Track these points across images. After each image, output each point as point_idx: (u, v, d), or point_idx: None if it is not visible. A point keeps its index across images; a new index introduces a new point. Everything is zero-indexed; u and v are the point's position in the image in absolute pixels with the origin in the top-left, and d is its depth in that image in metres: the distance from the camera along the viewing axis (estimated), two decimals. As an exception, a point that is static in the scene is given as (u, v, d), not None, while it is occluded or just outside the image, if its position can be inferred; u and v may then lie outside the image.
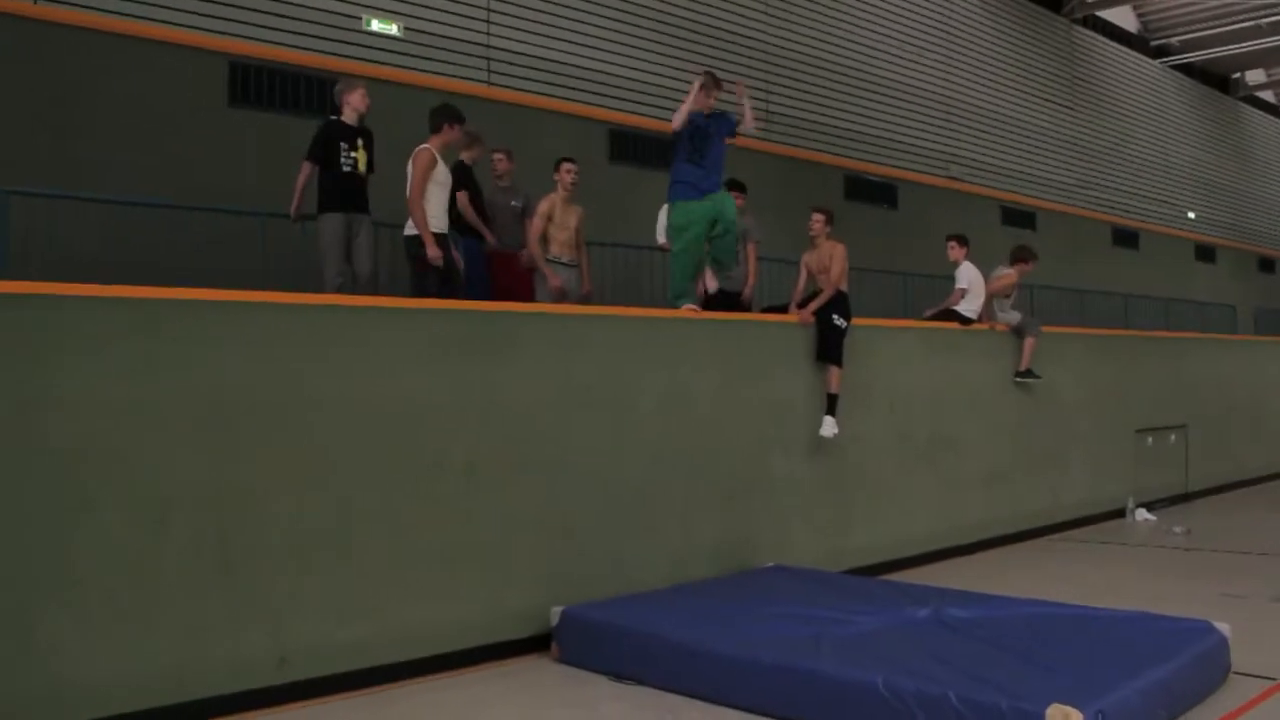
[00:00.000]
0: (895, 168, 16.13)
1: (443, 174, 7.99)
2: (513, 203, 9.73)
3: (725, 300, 9.68)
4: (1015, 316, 11.99)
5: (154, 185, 8.47)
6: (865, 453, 10.01)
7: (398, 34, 10.61)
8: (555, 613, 7.20)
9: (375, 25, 10.46)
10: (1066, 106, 20.08)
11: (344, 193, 8.00)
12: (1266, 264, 26.47)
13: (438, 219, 7.97)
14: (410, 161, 7.84)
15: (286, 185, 8.10)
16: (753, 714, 6.01)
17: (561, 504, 7.58)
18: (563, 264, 8.99)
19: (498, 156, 9.66)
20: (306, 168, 8.04)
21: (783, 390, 9.27)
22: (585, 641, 6.97)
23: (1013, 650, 6.08)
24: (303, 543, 6.40)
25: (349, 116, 8.09)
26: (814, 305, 9.54)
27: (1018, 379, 11.83)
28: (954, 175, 17.24)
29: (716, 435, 8.68)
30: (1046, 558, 11.19)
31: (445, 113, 8.07)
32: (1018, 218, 17.96)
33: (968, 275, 11.53)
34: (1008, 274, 12.09)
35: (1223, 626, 6.70)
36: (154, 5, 9.12)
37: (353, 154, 8.02)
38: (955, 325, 11.37)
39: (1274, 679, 6.69)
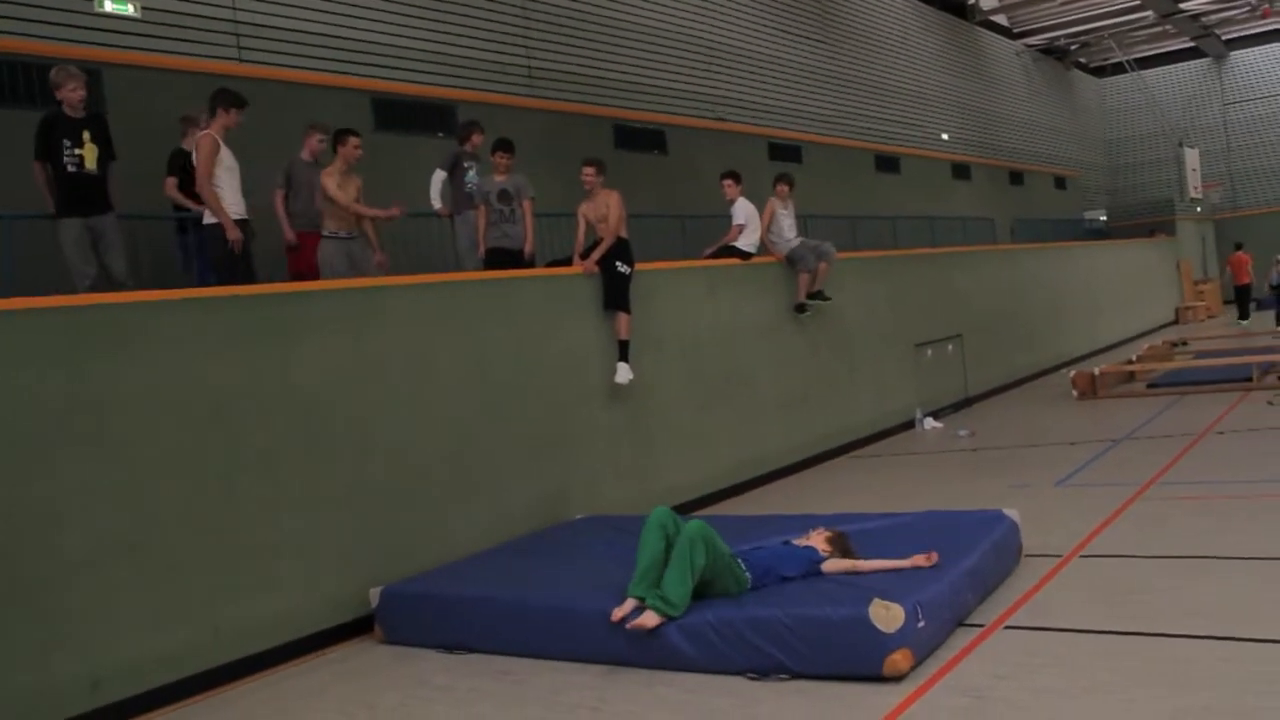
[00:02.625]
0: (663, 113, 16.29)
1: (230, 158, 7.70)
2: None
3: (507, 259, 9.58)
4: (788, 246, 12.26)
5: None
6: (663, 395, 10.14)
7: (134, 14, 10.00)
8: (374, 594, 7.04)
9: (109, 6, 9.82)
10: (821, 41, 20.68)
11: (75, 195, 7.43)
12: (1016, 177, 28.03)
13: (235, 205, 7.70)
14: (193, 151, 7.64)
15: (24, 184, 7.53)
16: (582, 662, 6.04)
17: (369, 481, 7.40)
18: (342, 238, 8.71)
19: (318, 137, 9.31)
20: (38, 169, 7.47)
21: (577, 342, 9.28)
22: (408, 618, 6.85)
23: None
24: (103, 553, 6.04)
25: (70, 108, 7.54)
26: (596, 254, 9.56)
27: (798, 311, 12.14)
28: (720, 116, 17.54)
29: (518, 393, 8.63)
30: (845, 475, 11.64)
31: (222, 97, 7.76)
32: (784, 152, 18.42)
33: (744, 210, 11.76)
34: (768, 204, 12.37)
35: (1011, 513, 7.12)
36: None
37: (77, 151, 7.40)
38: (736, 261, 11.61)
39: (1059, 555, 7.17)
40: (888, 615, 5.24)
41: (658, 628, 5.69)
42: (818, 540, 6.28)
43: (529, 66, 14.09)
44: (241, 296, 6.99)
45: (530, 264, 9.77)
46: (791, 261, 12.19)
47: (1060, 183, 31.14)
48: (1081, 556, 7.19)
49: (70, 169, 7.44)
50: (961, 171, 25.19)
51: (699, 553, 5.75)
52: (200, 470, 6.53)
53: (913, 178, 22.69)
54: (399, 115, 11.97)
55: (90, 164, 7.53)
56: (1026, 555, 7.14)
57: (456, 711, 5.65)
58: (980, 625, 5.99)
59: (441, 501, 7.86)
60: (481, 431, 8.26)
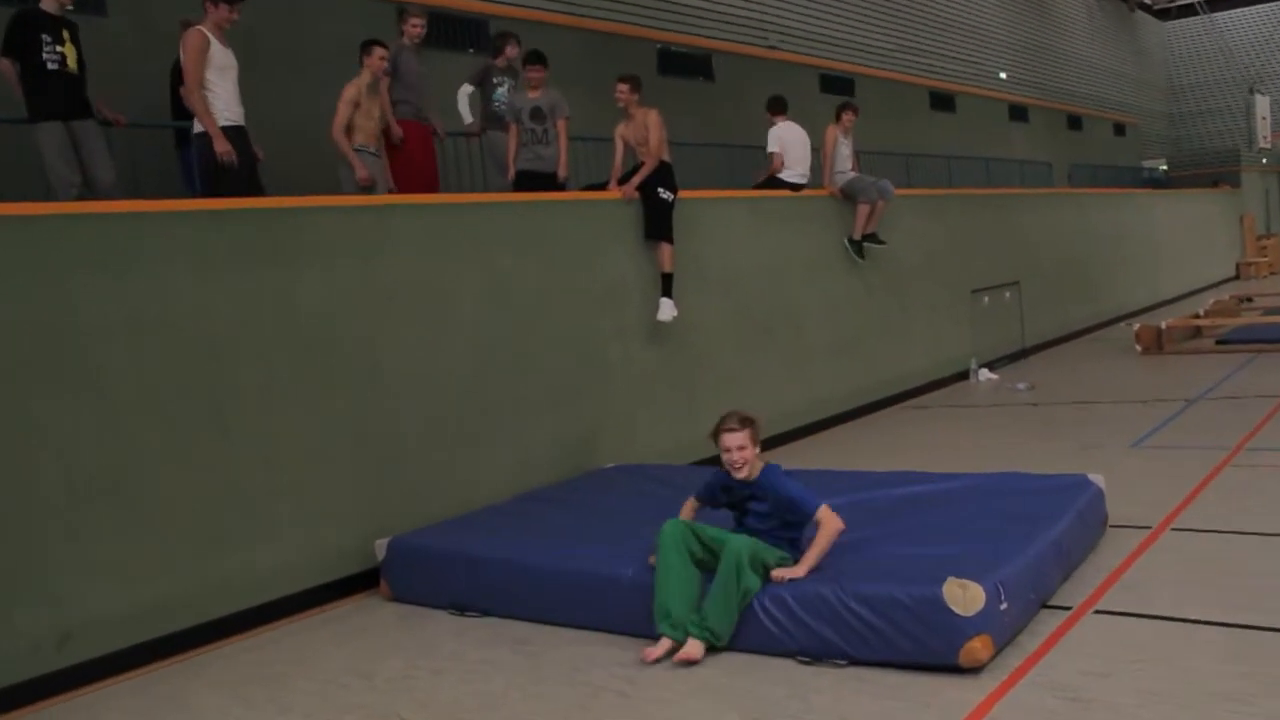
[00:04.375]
0: (710, 38, 15.33)
1: (222, 57, 6.91)
2: (421, 68, 8.75)
3: (538, 182, 8.79)
4: (845, 179, 11.39)
5: None
6: (704, 335, 9.35)
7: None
8: (380, 545, 6.34)
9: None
10: (877, -32, 19.56)
11: (56, 96, 6.72)
12: (1075, 122, 26.80)
13: (228, 109, 6.95)
14: (180, 47, 6.81)
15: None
16: (611, 634, 5.32)
17: (376, 421, 6.68)
18: (371, 154, 7.95)
19: (414, 21, 8.65)
20: (4, 64, 6.74)
21: (613, 274, 8.49)
22: (417, 573, 6.15)
23: (891, 532, 5.52)
24: (77, 495, 5.36)
25: (49, 5, 6.79)
26: (636, 179, 8.73)
27: (854, 250, 11.29)
28: (772, 44, 16.55)
29: (545, 328, 7.87)
30: (900, 427, 10.83)
31: None
32: (837, 85, 17.43)
33: (776, 137, 10.94)
34: (826, 133, 11.49)
35: (1097, 478, 6.31)
36: None
37: (59, 48, 6.73)
38: (786, 193, 10.76)
39: (1148, 527, 6.37)
40: (965, 596, 4.47)
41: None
42: None
43: (569, -20, 13.18)
44: (239, 212, 6.24)
45: (563, 189, 8.98)
46: (848, 195, 11.31)
47: (1120, 129, 29.86)
48: (1172, 530, 6.38)
49: (51, 66, 6.76)
50: (1019, 113, 24.05)
51: (751, 579, 4.90)
52: (188, 405, 5.81)
53: (968, 117, 21.61)
54: (432, 29, 11.09)
55: (72, 64, 6.86)
56: (1110, 526, 6.35)
57: (465, 688, 4.93)
58: (1066, 608, 5.20)
59: (457, 444, 7.13)
60: (504, 368, 7.51)
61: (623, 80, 8.96)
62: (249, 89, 7.17)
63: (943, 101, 21.00)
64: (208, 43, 6.82)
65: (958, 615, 4.44)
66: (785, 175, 10.87)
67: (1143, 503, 6.83)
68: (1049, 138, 25.00)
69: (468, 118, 9.37)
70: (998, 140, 22.27)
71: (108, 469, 5.48)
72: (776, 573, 4.95)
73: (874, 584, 4.68)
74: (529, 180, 8.83)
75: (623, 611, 5.24)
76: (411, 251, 7.01)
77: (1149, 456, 8.46)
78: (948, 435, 10.13)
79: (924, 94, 20.45)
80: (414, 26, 8.67)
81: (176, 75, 8.06)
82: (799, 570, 4.95)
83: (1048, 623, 5.02)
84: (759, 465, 5.15)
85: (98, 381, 5.48)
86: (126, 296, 5.62)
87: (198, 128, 6.93)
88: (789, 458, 9.09)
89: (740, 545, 4.92)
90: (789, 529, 5.16)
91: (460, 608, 5.90)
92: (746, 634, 4.91)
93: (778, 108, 11.09)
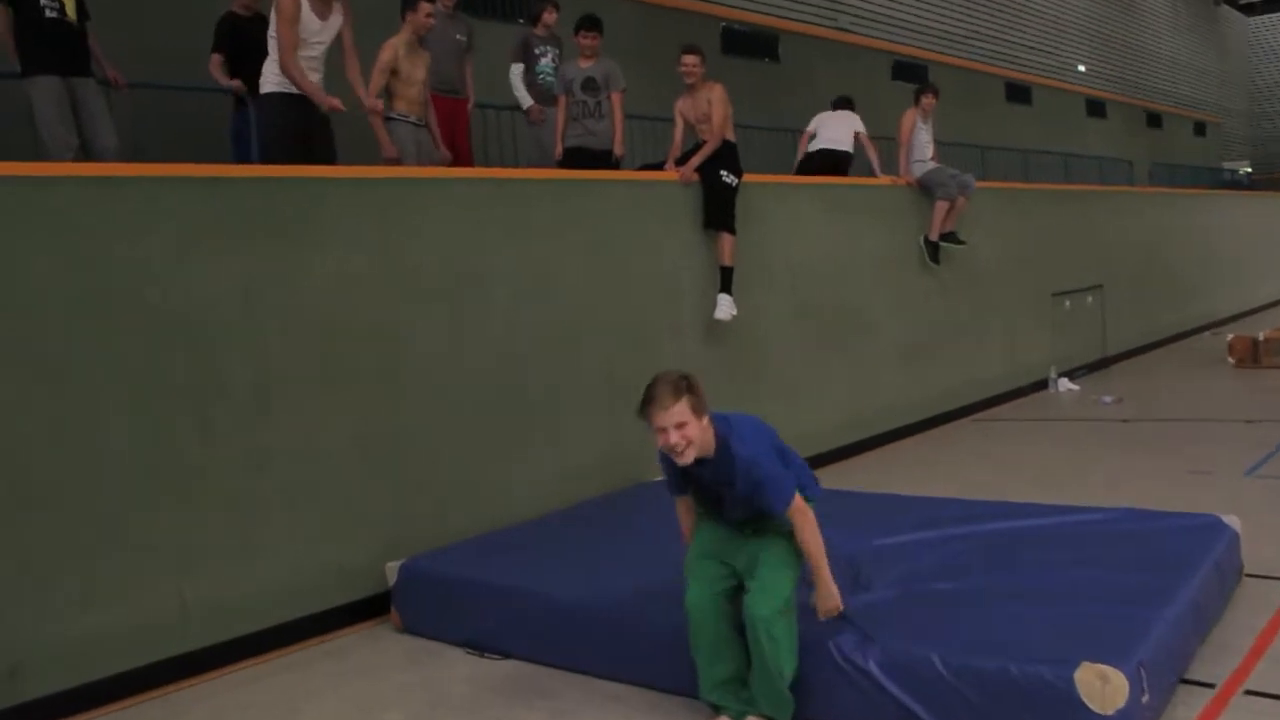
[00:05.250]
0: (776, 17, 14.40)
1: (313, 20, 6.22)
2: (457, 35, 7.93)
3: (590, 160, 7.93)
4: (923, 169, 10.42)
5: None
6: (767, 334, 8.44)
7: None
8: (391, 569, 5.51)
9: None
10: (953, -50, 18.51)
11: (53, 48, 6.07)
12: (1154, 119, 25.55)
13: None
14: (273, 11, 6.14)
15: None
16: (656, 692, 4.46)
17: (392, 425, 5.85)
18: (411, 123, 7.15)
19: None
20: None
21: (667, 265, 7.61)
22: (432, 603, 5.32)
23: (996, 582, 4.58)
24: (31, 501, 4.58)
25: None
26: (696, 159, 7.84)
27: (929, 251, 10.31)
28: (841, 26, 15.59)
29: (591, 322, 7.01)
30: (976, 442, 9.86)
31: None
32: (909, 71, 16.42)
33: (816, 119, 10.48)
34: (905, 117, 10.54)
35: (1231, 520, 5.34)
36: None
37: None
38: (858, 181, 9.83)
39: (1289, 579, 5.40)
40: (1105, 690, 3.51)
41: None
42: None
43: (629, -49, 12.30)
44: (237, 180, 5.43)
45: (617, 167, 8.11)
46: (926, 187, 10.34)
47: (1200, 129, 28.52)
48: (1320, 581, 5.40)
49: (50, 14, 6.12)
50: (1096, 109, 22.88)
51: (786, 640, 3.90)
52: (168, 398, 5.01)
53: (1045, 111, 20.52)
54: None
55: (71, 13, 6.19)
56: (1245, 574, 5.38)
57: (474, 756, 4.10)
58: (1208, 685, 4.25)
59: (486, 451, 6.29)
60: (543, 365, 6.66)
61: (690, 51, 8.05)
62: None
63: (1019, 93, 19.92)
64: (298, 6, 6.11)
65: (1093, 712, 3.51)
66: (814, 145, 10.20)
67: (1275, 545, 5.86)
68: (1127, 135, 23.79)
69: (525, 100, 8.49)
70: (1075, 136, 21.14)
71: (63, 476, 4.68)
72: (822, 613, 4.05)
73: (985, 657, 3.75)
74: (579, 158, 7.99)
75: (671, 665, 4.35)
76: (438, 231, 6.17)
77: (1271, 488, 7.44)
78: (1031, 453, 9.14)
79: (1000, 84, 19.40)
80: None
81: (219, 37, 7.37)
82: (832, 598, 4.03)
83: (1188, 704, 4.09)
84: (710, 437, 3.86)
85: (53, 373, 4.68)
86: (93, 273, 4.81)
87: (264, 88, 6.24)
88: (854, 475, 8.19)
89: (760, 611, 3.84)
90: (754, 514, 4.06)
91: (478, 647, 5.06)
92: (818, 700, 4.01)
93: (841, 105, 10.60)
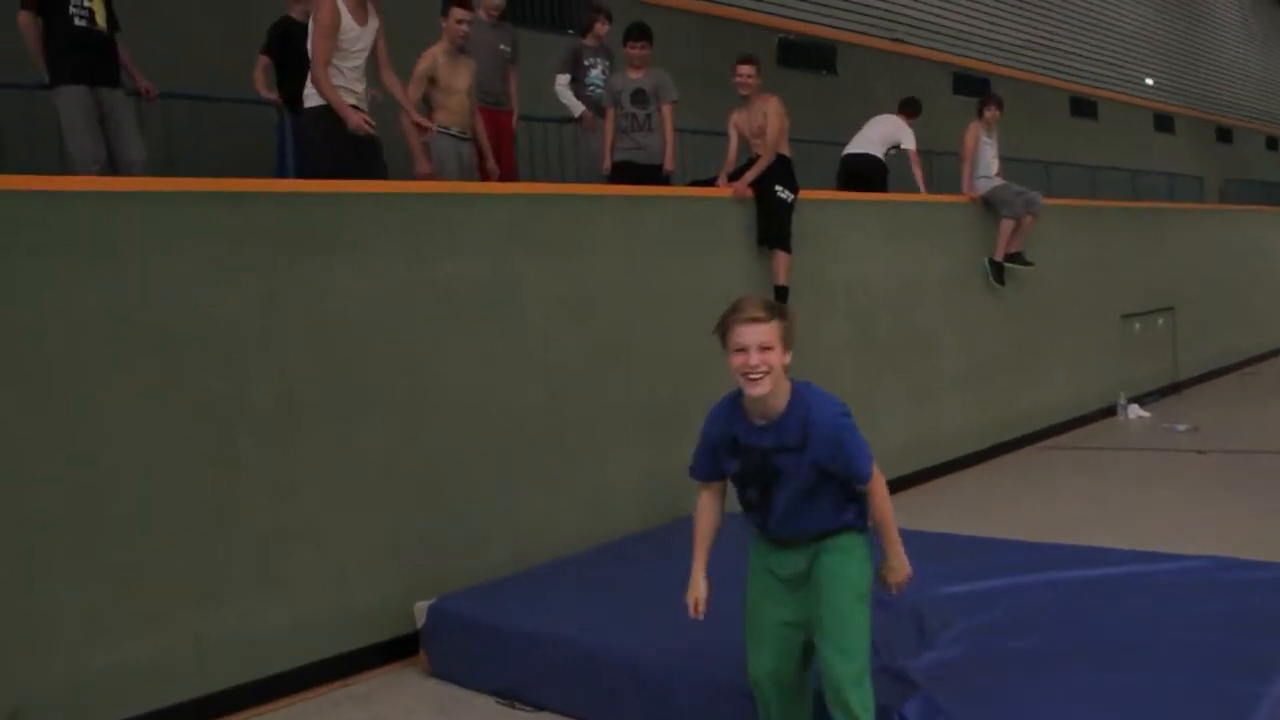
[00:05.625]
0: (834, 28, 14.00)
1: (353, 34, 5.88)
2: (500, 45, 7.65)
3: (639, 175, 7.58)
4: (989, 185, 9.97)
5: None
6: (823, 358, 8.02)
7: None
8: (420, 609, 5.18)
9: None
10: (1016, -41, 17.99)
11: (82, 56, 5.87)
12: (1224, 134, 24.79)
13: (351, 86, 5.97)
14: (310, 22, 5.84)
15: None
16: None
17: (422, 452, 5.52)
18: (453, 136, 6.86)
19: None
20: (25, 19, 5.85)
21: (719, 285, 7.21)
22: (463, 647, 4.98)
23: (1076, 641, 4.13)
24: (32, 534, 4.30)
25: None
26: (750, 174, 7.48)
27: (994, 274, 9.86)
28: (898, 37, 15.15)
29: (634, 344, 6.65)
30: (1043, 473, 9.36)
31: None
32: (970, 84, 15.93)
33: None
34: (968, 130, 10.11)
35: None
36: None
37: (86, 3, 5.88)
38: (921, 198, 9.41)
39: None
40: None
41: None
42: None
43: (682, -40, 11.97)
44: (261, 195, 5.13)
45: (667, 183, 7.76)
46: (990, 205, 9.89)
47: (1272, 143, 27.67)
48: None
49: (79, 22, 5.96)
50: (1164, 123, 22.20)
51: (859, 691, 3.34)
52: (185, 423, 4.72)
53: (1111, 125, 19.89)
54: (521, 6, 10.01)
55: (101, 21, 5.99)
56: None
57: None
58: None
59: (522, 482, 5.95)
60: (583, 390, 6.32)
61: (746, 60, 7.70)
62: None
63: (1084, 107, 19.33)
64: (337, 15, 5.78)
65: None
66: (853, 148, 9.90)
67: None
68: (1197, 150, 23.07)
69: (576, 106, 8.13)
70: (1142, 151, 20.49)
71: (73, 506, 4.41)
72: (894, 585, 3.59)
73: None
74: (628, 172, 7.64)
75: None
76: (475, 249, 5.85)
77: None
78: (1101, 487, 8.64)
79: (1064, 98, 18.82)
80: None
81: (271, 41, 7.15)
82: (904, 568, 3.54)
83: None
84: (786, 387, 3.34)
85: (60, 394, 4.40)
86: (105, 290, 4.54)
87: (309, 102, 5.93)
88: (913, 507, 7.73)
89: (840, 676, 3.30)
90: (845, 499, 3.43)
91: (510, 697, 4.71)
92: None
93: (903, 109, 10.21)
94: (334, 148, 5.89)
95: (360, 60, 6.00)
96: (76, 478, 4.42)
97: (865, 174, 9.62)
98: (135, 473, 4.57)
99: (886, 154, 9.81)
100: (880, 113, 10.32)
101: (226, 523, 4.81)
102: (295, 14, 7.16)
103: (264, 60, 7.15)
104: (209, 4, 8.08)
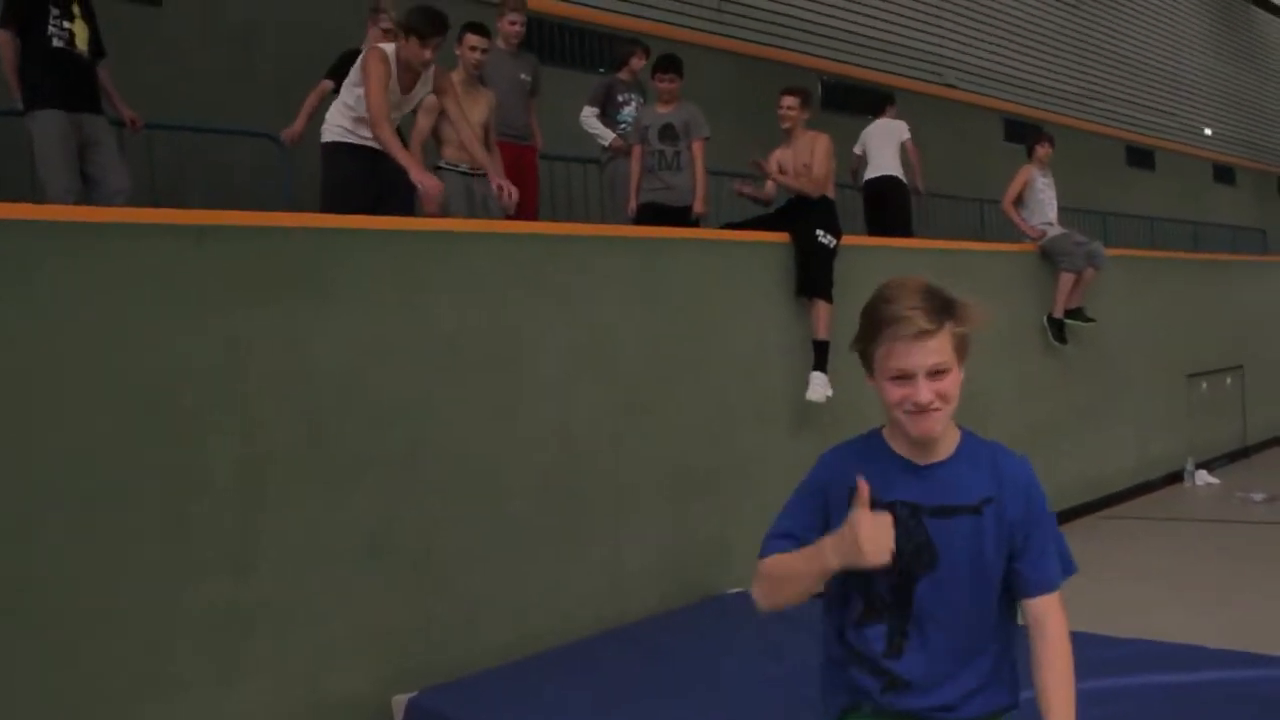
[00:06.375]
0: (882, 71, 13.41)
1: (394, 99, 5.54)
2: (521, 75, 7.17)
3: (667, 217, 6.99)
4: (1044, 231, 9.27)
5: None
6: (868, 418, 7.29)
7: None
8: (399, 704, 4.52)
9: None
10: (1068, 3, 17.34)
11: (60, 78, 5.44)
12: (1285, 186, 23.92)
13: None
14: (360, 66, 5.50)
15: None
16: None
17: (412, 520, 4.89)
18: (460, 173, 6.35)
19: (511, 18, 7.04)
20: (3, 37, 5.42)
21: (752, 337, 6.60)
22: (446, 748, 4.31)
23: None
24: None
25: None
26: (791, 181, 6.95)
27: (1054, 332, 9.15)
28: (948, 82, 14.54)
29: (658, 403, 6.00)
30: (1111, 548, 8.52)
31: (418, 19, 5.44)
32: (1022, 131, 15.24)
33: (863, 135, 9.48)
34: (1019, 172, 9.45)
35: None
36: None
37: (66, 24, 5.44)
38: (976, 246, 8.74)
39: None
40: None
41: None
42: None
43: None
44: (226, 228, 4.52)
45: (697, 226, 7.16)
46: (1050, 256, 9.20)
47: (1334, 197, 26.67)
48: None
49: (57, 43, 5.53)
50: (1224, 174, 21.37)
51: None
52: (134, 486, 4.10)
53: (1169, 176, 19.11)
54: (550, 42, 9.51)
55: (81, 44, 5.56)
56: None
57: None
58: None
59: (524, 555, 5.28)
60: (599, 453, 5.67)
61: (790, 92, 7.16)
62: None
63: (1141, 157, 18.58)
64: (389, 72, 5.41)
65: None
66: (867, 174, 9.18)
67: None
68: (1259, 202, 22.22)
69: (606, 135, 7.59)
70: (1201, 203, 19.68)
71: None
72: None
73: None
74: (655, 214, 7.06)
75: None
76: (478, 294, 5.24)
77: None
78: (1176, 565, 7.84)
79: (1120, 147, 18.10)
80: (511, 24, 7.02)
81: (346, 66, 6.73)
82: None
83: None
84: (954, 431, 2.34)
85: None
86: (42, 336, 3.96)
87: (326, 137, 5.59)
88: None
89: None
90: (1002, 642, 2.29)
91: (498, 814, 4.04)
92: None
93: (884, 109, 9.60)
94: (354, 186, 5.52)
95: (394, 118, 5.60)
96: (2, 549, 3.81)
97: (887, 195, 8.99)
98: (72, 543, 3.95)
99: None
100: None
101: (178, 603, 4.19)
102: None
103: (326, 84, 6.67)
104: (211, 34, 7.63)
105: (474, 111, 6.35)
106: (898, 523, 2.15)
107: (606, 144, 7.54)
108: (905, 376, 2.20)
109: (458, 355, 5.09)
